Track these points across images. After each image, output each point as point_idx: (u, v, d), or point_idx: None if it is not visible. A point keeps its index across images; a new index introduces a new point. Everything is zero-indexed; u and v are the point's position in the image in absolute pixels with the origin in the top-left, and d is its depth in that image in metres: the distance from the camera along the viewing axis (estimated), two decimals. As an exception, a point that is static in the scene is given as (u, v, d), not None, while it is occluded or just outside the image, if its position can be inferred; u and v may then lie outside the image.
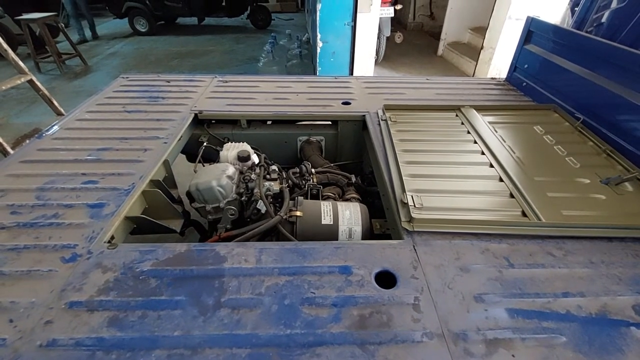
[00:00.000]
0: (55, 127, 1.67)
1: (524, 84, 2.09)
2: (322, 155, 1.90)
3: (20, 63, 3.16)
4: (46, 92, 3.30)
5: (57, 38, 6.67)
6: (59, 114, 3.39)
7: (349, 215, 1.25)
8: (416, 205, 1.13)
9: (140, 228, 1.27)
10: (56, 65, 5.93)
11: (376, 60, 5.44)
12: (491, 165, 1.35)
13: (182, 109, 1.83)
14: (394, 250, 1.00)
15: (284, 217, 1.19)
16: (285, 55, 5.63)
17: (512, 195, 1.19)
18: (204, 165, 1.67)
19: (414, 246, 1.00)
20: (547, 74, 1.91)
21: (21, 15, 5.65)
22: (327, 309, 0.83)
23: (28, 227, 1.08)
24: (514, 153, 1.43)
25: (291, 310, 0.83)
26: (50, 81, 5.51)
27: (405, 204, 1.14)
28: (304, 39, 6.52)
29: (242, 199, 1.43)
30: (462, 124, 1.67)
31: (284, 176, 1.52)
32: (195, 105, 1.87)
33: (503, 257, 0.98)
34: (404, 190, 1.18)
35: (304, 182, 1.51)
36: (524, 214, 1.12)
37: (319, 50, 4.28)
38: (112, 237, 1.08)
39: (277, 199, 1.43)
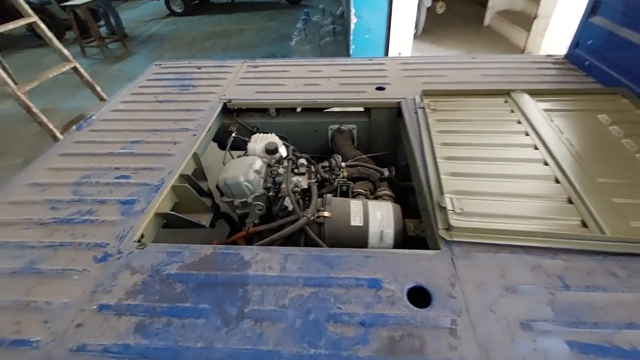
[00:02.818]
0: (92, 118, 1.71)
1: (587, 62, 1.82)
2: (354, 145, 1.80)
3: (64, 50, 3.29)
4: (89, 78, 3.43)
5: (100, 22, 6.91)
6: (101, 99, 3.53)
7: (381, 216, 1.17)
8: (456, 211, 1.02)
9: (170, 223, 1.28)
10: (99, 49, 6.16)
11: (415, 34, 5.08)
12: (545, 163, 1.19)
13: (211, 98, 1.80)
14: (430, 262, 0.91)
15: (311, 219, 1.14)
16: (318, 33, 5.43)
17: (570, 201, 1.04)
18: (232, 158, 1.65)
19: (452, 259, 0.91)
20: (616, 52, 1.64)
21: (67, 1, 5.88)
22: (354, 328, 0.78)
23: (64, 224, 1.12)
24: (573, 147, 1.25)
25: (316, 327, 0.79)
26: (93, 65, 5.76)
27: (443, 209, 1.03)
28: (337, 12, 6.23)
29: (270, 194, 1.39)
30: (512, 111, 1.49)
31: (313, 170, 1.46)
32: (224, 93, 1.83)
33: (557, 276, 0.86)
34: (442, 192, 1.08)
35: (333, 176, 1.44)
36: (583, 224, 0.97)
37: (352, 27, 4.05)
38: (142, 236, 1.09)
39: (305, 194, 1.38)
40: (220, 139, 1.88)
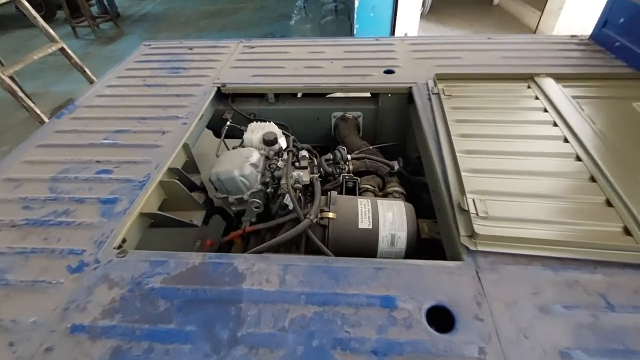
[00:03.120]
0: (75, 105, 1.57)
1: (617, 43, 1.65)
2: (359, 135, 1.66)
3: (50, 30, 3.09)
4: (77, 60, 3.25)
5: (91, 1, 6.60)
6: (91, 82, 3.35)
7: (392, 217, 1.05)
8: (479, 214, 0.89)
9: (159, 223, 1.16)
10: (91, 29, 5.91)
11: (422, 13, 4.83)
12: (578, 158, 1.06)
13: (204, 82, 1.65)
14: (451, 276, 0.79)
15: (313, 221, 1.01)
16: (319, 11, 5.17)
17: (609, 203, 0.92)
18: (228, 148, 1.52)
19: (477, 272, 0.79)
20: (653, 30, 1.48)
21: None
22: (366, 358, 0.67)
23: (38, 226, 1.00)
24: (608, 140, 1.11)
25: (320, 355, 0.67)
26: (85, 46, 5.52)
27: (464, 212, 0.91)
28: (340, -10, 5.93)
29: (268, 190, 1.27)
30: (537, 98, 1.34)
31: (315, 163, 1.33)
32: (218, 77, 1.68)
33: (598, 293, 0.74)
34: (463, 192, 0.95)
35: (338, 170, 1.30)
36: (626, 231, 0.85)
37: (356, 4, 3.82)
38: (124, 241, 0.97)
39: (307, 189, 1.25)
40: (215, 127, 1.74)
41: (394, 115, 1.63)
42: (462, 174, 1.00)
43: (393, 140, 1.68)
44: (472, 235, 0.85)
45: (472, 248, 0.83)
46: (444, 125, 1.23)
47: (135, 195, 1.08)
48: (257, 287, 0.79)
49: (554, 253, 0.81)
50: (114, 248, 0.92)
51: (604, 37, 1.75)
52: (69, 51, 3.21)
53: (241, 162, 1.23)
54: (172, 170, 1.23)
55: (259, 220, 1.26)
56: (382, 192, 1.27)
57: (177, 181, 1.18)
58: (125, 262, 0.88)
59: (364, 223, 1.04)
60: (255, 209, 1.26)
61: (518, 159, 1.07)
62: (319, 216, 1.05)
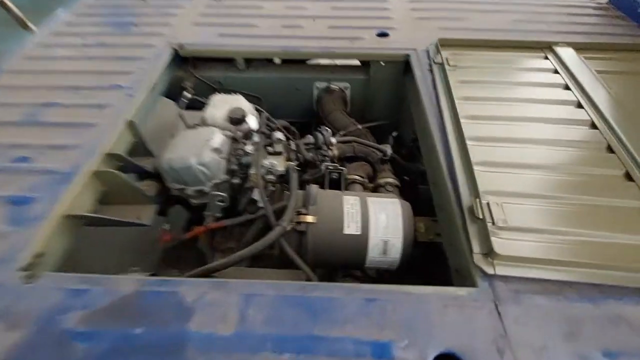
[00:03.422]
0: (-7, 68, 1.25)
1: (642, 8, 1.43)
2: (346, 110, 1.42)
3: (-20, -27, 2.58)
4: (17, 11, 2.77)
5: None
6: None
7: (385, 220, 0.85)
8: (497, 223, 0.71)
9: (96, 224, 0.93)
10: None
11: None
12: (610, 150, 0.87)
13: (157, 42, 1.34)
14: (463, 310, 0.61)
15: (287, 228, 0.80)
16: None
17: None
18: (187, 124, 1.25)
19: (496, 305, 0.62)
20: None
21: None
22: None
23: None
24: (644, 126, 0.93)
25: None
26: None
27: (478, 220, 0.72)
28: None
29: (234, 180, 1.04)
30: (556, 72, 1.13)
31: (293, 147, 1.10)
32: (175, 36, 1.37)
33: (649, 334, 0.58)
34: (476, 196, 0.75)
35: (320, 156, 1.08)
36: (676, 247, 0.68)
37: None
38: (39, 256, 0.73)
39: (282, 179, 1.04)
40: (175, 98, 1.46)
41: (387, 87, 1.39)
42: (475, 168, 0.80)
43: (385, 118, 1.45)
44: (489, 253, 0.66)
45: (489, 272, 0.65)
46: (449, 104, 1.01)
47: (59, 192, 0.83)
48: (209, 330, 0.59)
49: (593, 279, 0.64)
50: (20, 269, 0.69)
51: (623, 1, 1.52)
52: (6, 1, 2.72)
53: (200, 147, 0.99)
54: (111, 157, 0.98)
55: (224, 216, 1.05)
56: (373, 184, 1.07)
57: (115, 172, 0.93)
58: (34, 289, 0.66)
59: (351, 228, 0.84)
60: (220, 203, 1.04)
61: (539, 149, 0.88)
62: (295, 220, 0.84)
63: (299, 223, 0.83)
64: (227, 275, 0.78)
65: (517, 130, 0.93)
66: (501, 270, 0.65)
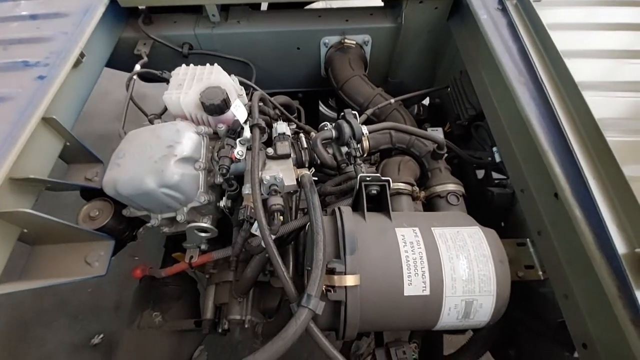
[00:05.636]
0: None
1: None
2: (366, 74, 1.02)
3: None
4: None
5: None
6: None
7: (468, 267, 0.53)
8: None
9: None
10: None
11: None
12: None
13: (87, -12, 0.90)
14: None
15: (317, 311, 0.47)
16: None
17: None
18: (146, 117, 0.87)
19: None
20: None
21: None
22: None
23: None
24: None
25: None
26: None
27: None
28: None
29: (221, 204, 0.69)
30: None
31: (304, 145, 0.73)
32: (113, -24, 0.93)
33: None
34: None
35: (346, 157, 0.72)
36: None
37: None
38: None
39: (293, 196, 0.70)
40: (124, 69, 1.04)
41: (425, 39, 0.99)
42: (625, 173, 0.46)
43: (414, 82, 1.06)
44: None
45: None
46: (552, 63, 0.63)
47: None
48: None
49: None
50: None
51: None
52: None
53: (160, 159, 0.62)
54: (21, 182, 0.62)
55: (213, 247, 0.73)
56: (425, 194, 0.72)
57: (27, 211, 0.57)
58: None
59: (415, 285, 0.52)
60: (202, 234, 0.70)
61: None
62: (326, 285, 0.51)
63: (331, 288, 0.51)
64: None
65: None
66: None
